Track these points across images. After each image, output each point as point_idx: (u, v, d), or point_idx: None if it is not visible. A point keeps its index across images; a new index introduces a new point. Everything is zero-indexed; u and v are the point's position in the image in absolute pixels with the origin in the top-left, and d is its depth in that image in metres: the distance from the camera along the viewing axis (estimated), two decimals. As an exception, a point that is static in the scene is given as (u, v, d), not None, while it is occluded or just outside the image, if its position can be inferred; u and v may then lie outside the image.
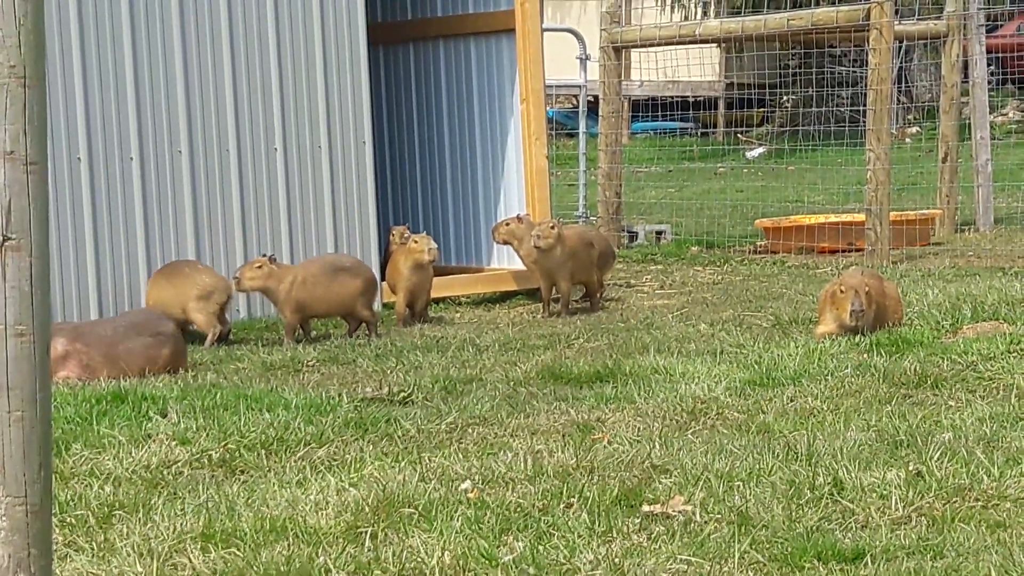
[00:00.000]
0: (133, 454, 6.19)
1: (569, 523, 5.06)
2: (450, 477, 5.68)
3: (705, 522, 5.05)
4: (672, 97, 23.72)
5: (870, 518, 5.08)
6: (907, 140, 23.66)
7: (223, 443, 6.33)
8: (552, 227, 10.72)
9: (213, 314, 9.65)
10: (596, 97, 15.63)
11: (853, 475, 5.45)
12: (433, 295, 10.94)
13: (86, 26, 10.16)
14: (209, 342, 9.53)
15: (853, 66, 24.35)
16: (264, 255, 9.99)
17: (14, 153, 3.48)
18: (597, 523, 5.06)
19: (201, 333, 9.65)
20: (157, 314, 8.92)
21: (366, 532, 5.02)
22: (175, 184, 10.49)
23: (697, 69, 19.90)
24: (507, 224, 11.22)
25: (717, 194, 18.90)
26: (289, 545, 4.91)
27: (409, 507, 5.26)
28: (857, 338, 8.28)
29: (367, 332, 9.90)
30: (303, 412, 6.83)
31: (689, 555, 4.72)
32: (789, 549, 4.73)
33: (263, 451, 6.29)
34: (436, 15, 12.66)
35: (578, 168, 16.15)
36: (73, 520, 5.32)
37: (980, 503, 5.20)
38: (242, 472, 6.06)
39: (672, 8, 27.18)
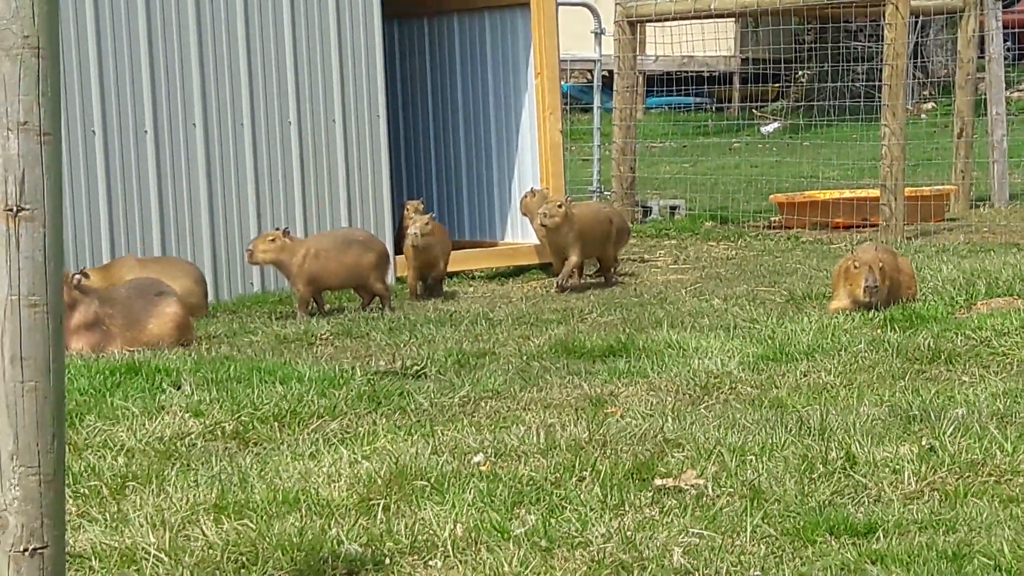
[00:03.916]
0: (147, 426, 6.21)
1: (581, 496, 5.06)
2: (463, 450, 5.68)
3: (717, 496, 5.05)
4: (687, 72, 23.64)
5: (882, 493, 5.08)
6: (922, 116, 23.58)
7: (236, 415, 6.35)
8: (559, 206, 10.63)
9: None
10: (611, 72, 15.59)
11: (866, 450, 5.44)
12: (447, 269, 10.94)
13: (100, -2, 10.16)
14: None
15: (869, 41, 24.24)
16: (277, 228, 10.00)
17: (27, 124, 3.48)
18: (609, 496, 5.06)
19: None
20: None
21: (378, 504, 5.03)
22: (189, 157, 10.49)
23: (712, 44, 19.84)
24: (522, 198, 11.25)
25: (731, 169, 18.85)
26: (301, 517, 4.92)
27: (421, 480, 5.26)
28: (871, 313, 8.26)
29: (380, 306, 9.91)
30: (316, 385, 6.83)
31: (701, 528, 4.72)
32: (801, 523, 4.73)
33: (276, 423, 6.30)
34: (451, -11, 12.64)
35: (592, 143, 16.12)
36: (86, 491, 5.34)
37: (993, 478, 5.19)
38: (255, 444, 6.07)
39: (687, -18, 27.01)
